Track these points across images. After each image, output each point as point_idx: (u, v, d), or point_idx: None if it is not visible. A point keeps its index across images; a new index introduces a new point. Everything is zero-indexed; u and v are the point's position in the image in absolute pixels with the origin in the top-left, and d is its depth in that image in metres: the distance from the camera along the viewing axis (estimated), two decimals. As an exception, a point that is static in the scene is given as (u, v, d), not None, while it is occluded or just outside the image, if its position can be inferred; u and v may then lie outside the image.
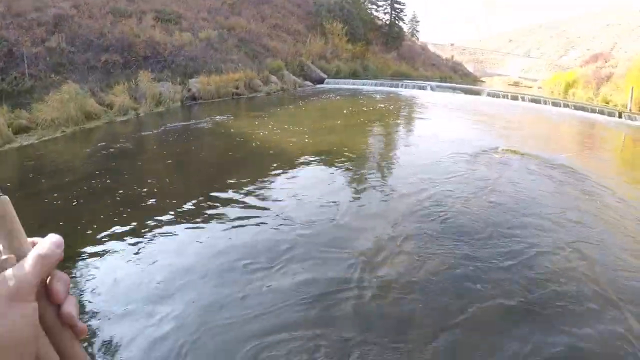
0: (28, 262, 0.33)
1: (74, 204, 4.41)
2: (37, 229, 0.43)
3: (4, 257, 0.33)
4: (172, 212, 4.10)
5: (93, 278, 2.97)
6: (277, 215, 4.12)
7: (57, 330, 0.35)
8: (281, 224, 3.91)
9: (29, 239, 0.37)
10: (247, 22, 18.81)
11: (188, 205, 4.30)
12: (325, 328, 2.50)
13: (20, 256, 0.34)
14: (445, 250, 3.57)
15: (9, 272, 0.32)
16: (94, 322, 2.47)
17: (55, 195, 4.66)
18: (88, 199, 4.58)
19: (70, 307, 0.34)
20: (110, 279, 2.96)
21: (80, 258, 3.20)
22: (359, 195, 4.91)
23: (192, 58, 13.61)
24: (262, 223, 3.94)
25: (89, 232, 3.71)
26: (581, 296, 3.05)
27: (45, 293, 0.35)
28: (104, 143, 7.31)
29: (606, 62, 26.62)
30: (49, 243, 0.35)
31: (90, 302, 2.69)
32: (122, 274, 3.02)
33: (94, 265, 3.14)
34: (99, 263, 3.19)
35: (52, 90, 9.24)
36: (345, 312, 2.64)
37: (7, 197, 0.33)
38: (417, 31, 45.46)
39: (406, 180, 5.52)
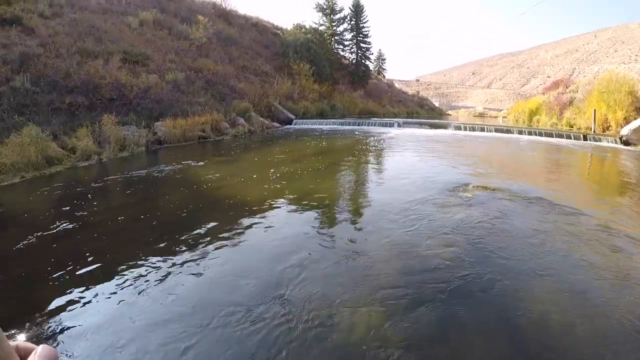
0: None
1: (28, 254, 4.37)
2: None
3: None
4: (128, 264, 4.09)
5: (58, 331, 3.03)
6: (239, 264, 4.12)
7: None
8: (240, 276, 3.84)
9: (15, 342, 0.39)
10: (214, 63, 19.25)
11: (143, 260, 4.22)
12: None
13: (2, 357, 0.33)
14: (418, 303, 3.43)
15: None
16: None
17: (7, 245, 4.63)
18: (41, 251, 4.50)
19: None
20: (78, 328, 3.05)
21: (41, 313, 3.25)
22: (327, 240, 4.90)
23: (158, 101, 13.87)
24: (222, 277, 3.85)
25: (45, 284, 3.71)
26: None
27: None
28: (63, 191, 7.21)
29: (567, 87, 26.76)
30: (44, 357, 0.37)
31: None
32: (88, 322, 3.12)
33: (61, 319, 3.17)
34: (60, 315, 3.21)
35: (15, 133, 9.25)
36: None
37: None
38: (384, 69, 47.94)
39: (375, 225, 5.42)
